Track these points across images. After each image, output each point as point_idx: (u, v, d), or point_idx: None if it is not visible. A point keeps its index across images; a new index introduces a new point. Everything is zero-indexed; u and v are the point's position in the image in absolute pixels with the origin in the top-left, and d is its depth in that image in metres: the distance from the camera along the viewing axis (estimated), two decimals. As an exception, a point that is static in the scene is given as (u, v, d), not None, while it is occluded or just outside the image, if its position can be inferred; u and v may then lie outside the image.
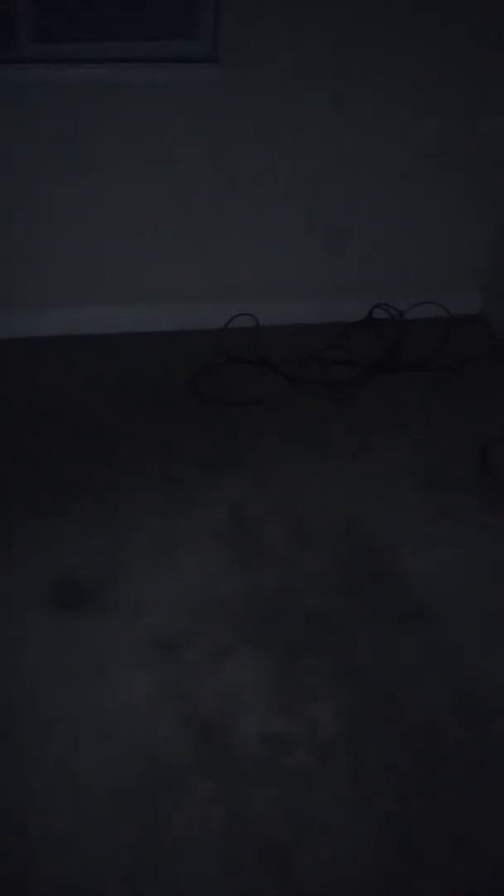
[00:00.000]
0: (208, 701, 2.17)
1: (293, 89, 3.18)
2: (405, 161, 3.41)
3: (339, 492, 2.83)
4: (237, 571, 2.52)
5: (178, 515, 2.70)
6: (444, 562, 2.59)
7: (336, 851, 1.89)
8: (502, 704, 2.21)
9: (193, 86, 3.12)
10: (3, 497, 2.73)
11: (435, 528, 2.71)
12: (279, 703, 2.18)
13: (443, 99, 3.31)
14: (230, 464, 2.91)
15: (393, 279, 3.65)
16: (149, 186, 3.26)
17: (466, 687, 2.24)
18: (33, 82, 3.03)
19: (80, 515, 2.67)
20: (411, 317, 3.66)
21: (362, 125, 3.30)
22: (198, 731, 2.10)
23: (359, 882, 1.86)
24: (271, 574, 2.52)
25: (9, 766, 2.02)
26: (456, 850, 1.91)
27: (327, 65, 3.15)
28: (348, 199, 3.44)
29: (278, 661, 2.27)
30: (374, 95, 3.25)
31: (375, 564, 2.58)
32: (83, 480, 2.80)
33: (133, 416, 3.09)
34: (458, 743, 2.12)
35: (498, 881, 1.89)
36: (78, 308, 3.45)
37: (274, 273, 3.53)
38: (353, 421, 3.15)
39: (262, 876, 1.85)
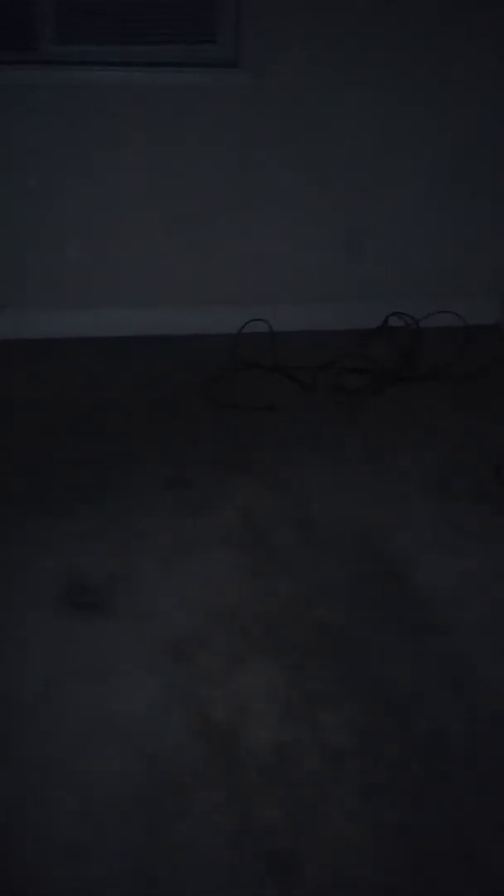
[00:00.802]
0: (217, 708, 2.15)
1: (312, 94, 3.18)
2: (423, 167, 3.40)
3: (352, 499, 2.81)
4: (248, 577, 2.50)
5: (189, 519, 2.69)
6: (457, 572, 2.57)
7: (344, 862, 1.87)
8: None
9: (213, 90, 3.12)
10: (15, 497, 2.72)
11: (448, 538, 2.69)
12: (288, 711, 2.15)
13: (465, 106, 3.30)
14: (242, 469, 2.90)
15: (409, 287, 3.65)
16: (166, 189, 3.26)
17: (478, 699, 2.21)
18: (52, 84, 3.04)
19: (91, 517, 2.66)
20: (426, 325, 3.65)
21: (382, 131, 3.30)
22: (206, 738, 2.08)
23: (366, 893, 1.83)
24: (282, 581, 2.50)
25: (13, 770, 2.00)
26: (465, 864, 1.88)
27: (347, 70, 3.15)
28: (366, 205, 3.44)
29: (288, 669, 2.25)
30: (394, 101, 3.24)
31: (388, 573, 2.55)
32: (95, 482, 2.79)
33: (145, 420, 3.09)
34: (469, 755, 2.09)
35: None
36: (92, 311, 3.46)
37: (290, 279, 3.53)
38: (366, 429, 3.13)
39: (269, 885, 1.82)
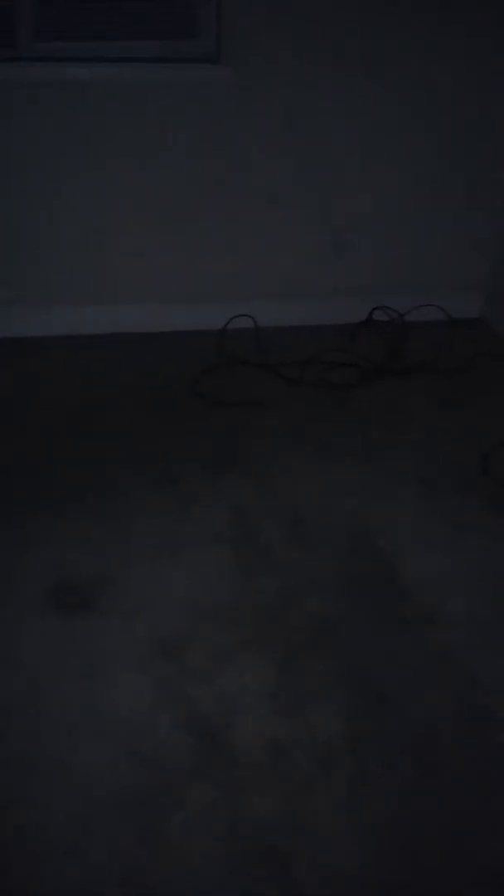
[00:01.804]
0: (208, 704, 2.15)
1: (295, 90, 3.17)
2: (407, 163, 3.41)
3: (340, 494, 2.82)
4: (237, 573, 2.51)
5: (178, 516, 2.69)
6: (445, 566, 2.58)
7: (336, 856, 1.88)
8: (503, 710, 2.20)
9: (195, 86, 3.11)
10: (2, 497, 2.71)
11: (436, 532, 2.70)
12: (279, 706, 2.16)
13: (450, 102, 3.30)
14: (230, 465, 2.90)
15: (393, 281, 3.65)
16: (149, 187, 3.25)
17: (467, 692, 2.23)
18: (34, 81, 3.02)
19: (80, 516, 2.66)
20: (412, 319, 3.66)
21: (365, 127, 3.30)
22: (197, 734, 2.09)
23: (358, 887, 1.84)
24: (271, 576, 2.51)
25: (6, 769, 2.00)
26: (456, 857, 1.90)
27: (331, 66, 3.14)
28: (350, 201, 3.44)
29: (278, 665, 2.26)
30: (376, 97, 3.24)
31: (376, 568, 2.56)
32: (83, 480, 2.79)
33: (133, 417, 3.08)
34: (459, 748, 2.10)
35: (499, 888, 1.88)
36: (78, 308, 3.45)
37: (275, 274, 3.53)
38: (353, 423, 3.14)
39: (262, 881, 1.83)
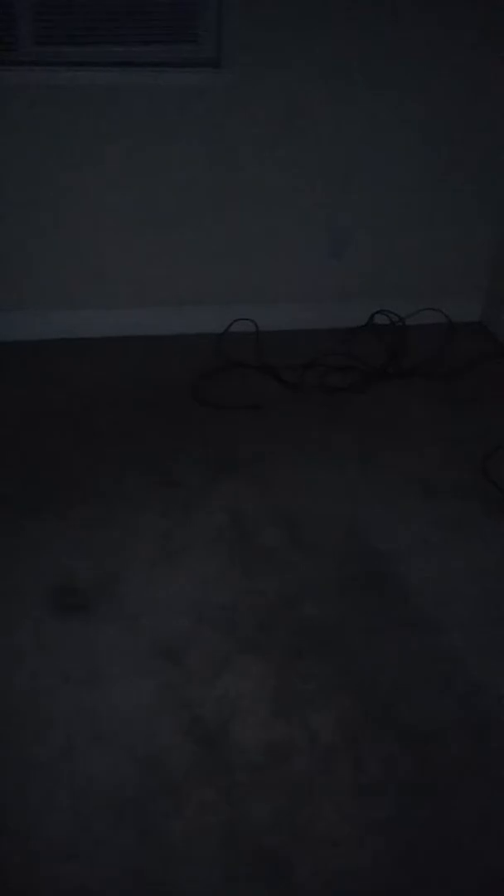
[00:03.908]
0: (207, 707, 2.15)
1: (295, 94, 3.18)
2: (407, 167, 3.41)
3: (340, 498, 2.82)
4: (236, 577, 2.51)
5: (178, 519, 2.69)
6: (444, 569, 2.58)
7: (335, 860, 1.88)
8: (503, 714, 2.20)
9: (196, 90, 3.12)
10: (2, 499, 2.72)
11: (436, 536, 2.70)
12: (278, 710, 2.16)
13: (449, 104, 3.31)
14: (230, 469, 2.90)
15: (394, 285, 3.66)
16: (150, 190, 3.26)
17: (467, 696, 2.22)
18: (34, 85, 3.03)
19: (80, 518, 2.66)
20: (412, 323, 3.66)
21: (365, 131, 3.30)
22: (197, 737, 2.09)
23: (358, 891, 1.84)
24: (270, 580, 2.51)
25: (7, 772, 2.00)
26: (456, 861, 1.90)
27: (330, 71, 3.15)
28: (350, 204, 3.45)
29: (278, 668, 2.26)
30: (376, 101, 3.25)
31: (375, 571, 2.56)
32: (82, 483, 2.79)
33: (132, 420, 3.08)
34: (459, 752, 2.10)
35: (499, 892, 1.87)
36: (78, 311, 3.45)
37: (275, 278, 3.53)
38: (353, 427, 3.14)
39: (261, 884, 1.83)
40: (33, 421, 3.04)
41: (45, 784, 1.97)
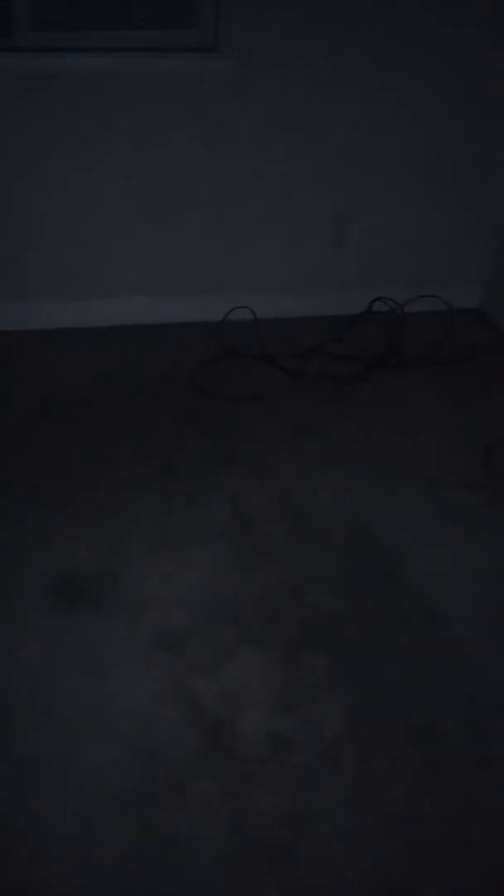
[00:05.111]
0: (211, 700, 2.15)
1: (294, 80, 3.15)
2: (407, 154, 3.38)
3: (342, 488, 2.81)
4: (239, 568, 2.51)
5: (179, 511, 2.68)
6: (447, 560, 2.58)
7: (340, 852, 1.88)
8: (506, 703, 2.20)
9: (193, 76, 3.08)
10: (3, 493, 2.70)
11: (438, 526, 2.69)
12: (282, 702, 2.16)
13: (448, 93, 3.28)
14: (231, 459, 2.89)
15: (393, 272, 3.63)
16: (148, 178, 3.23)
17: (471, 687, 2.23)
18: (31, 72, 2.99)
19: (81, 511, 2.65)
20: (411, 310, 3.64)
21: (364, 117, 3.28)
22: (200, 730, 2.09)
23: (363, 883, 1.85)
24: (273, 571, 2.51)
25: (9, 767, 2.00)
26: (461, 853, 1.90)
27: (330, 56, 3.12)
28: (349, 191, 3.42)
29: (281, 660, 2.26)
30: (376, 88, 3.22)
31: (378, 562, 2.56)
32: (83, 475, 2.78)
33: (132, 410, 3.07)
34: (463, 744, 2.11)
35: (503, 884, 1.88)
36: (76, 301, 3.43)
37: (274, 266, 3.51)
38: (354, 416, 3.13)
39: (266, 877, 1.84)
40: (32, 411, 3.03)
41: (49, 778, 1.97)
